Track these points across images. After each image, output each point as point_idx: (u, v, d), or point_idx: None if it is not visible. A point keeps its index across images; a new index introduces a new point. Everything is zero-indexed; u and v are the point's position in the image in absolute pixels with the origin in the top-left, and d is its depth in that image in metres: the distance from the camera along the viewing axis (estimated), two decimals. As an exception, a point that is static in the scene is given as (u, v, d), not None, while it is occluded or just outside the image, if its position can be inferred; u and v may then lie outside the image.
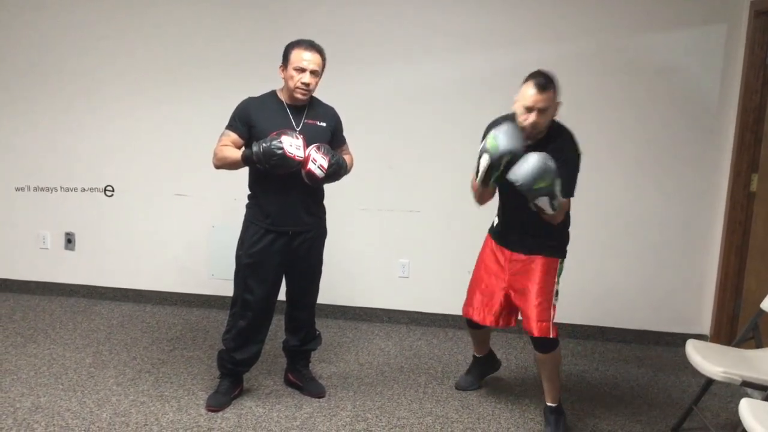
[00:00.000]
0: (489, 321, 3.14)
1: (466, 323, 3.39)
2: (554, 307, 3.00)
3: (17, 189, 4.74)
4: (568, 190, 2.87)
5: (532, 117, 2.77)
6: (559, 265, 3.04)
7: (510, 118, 2.94)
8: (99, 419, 3.05)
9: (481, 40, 4.18)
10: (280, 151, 2.85)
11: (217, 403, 3.21)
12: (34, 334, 4.07)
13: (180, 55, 4.45)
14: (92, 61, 4.54)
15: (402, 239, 4.43)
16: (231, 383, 3.29)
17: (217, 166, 3.10)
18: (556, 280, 3.03)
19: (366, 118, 4.28)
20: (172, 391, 3.37)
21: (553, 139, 2.87)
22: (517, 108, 2.83)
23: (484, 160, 2.75)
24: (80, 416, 3.07)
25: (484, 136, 2.98)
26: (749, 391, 2.87)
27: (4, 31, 4.61)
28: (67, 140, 4.65)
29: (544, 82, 2.76)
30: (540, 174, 2.64)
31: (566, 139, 2.91)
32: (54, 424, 2.99)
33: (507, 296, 3.10)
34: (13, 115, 4.69)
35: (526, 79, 2.81)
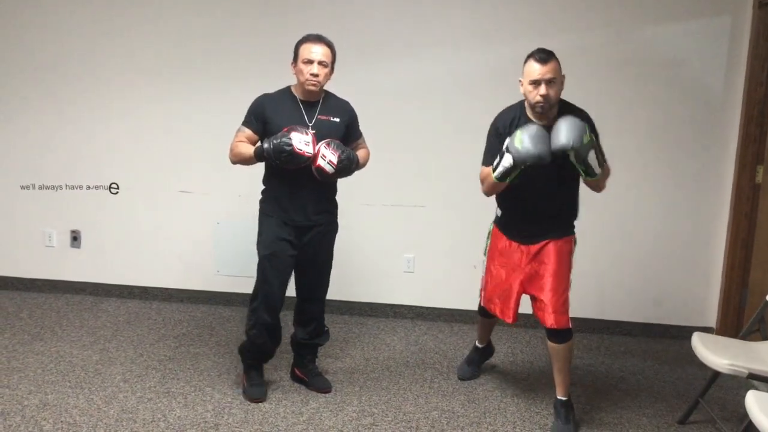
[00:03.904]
0: (509, 317, 3.11)
1: (480, 312, 3.40)
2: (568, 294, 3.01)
3: (23, 187, 4.75)
4: (602, 156, 2.91)
5: (541, 89, 2.78)
6: (573, 245, 3.06)
7: (516, 108, 2.98)
8: (106, 416, 3.07)
9: (485, 35, 4.17)
10: (288, 148, 2.90)
11: (260, 394, 3.27)
12: (41, 331, 4.09)
13: (184, 52, 4.45)
14: (96, 59, 4.55)
15: (407, 234, 4.43)
16: (259, 372, 3.36)
17: (233, 162, 3.16)
18: (571, 264, 3.03)
19: (370, 113, 4.24)
20: (178, 387, 3.38)
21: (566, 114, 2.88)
22: (525, 87, 2.86)
23: (507, 161, 2.79)
24: (88, 413, 3.09)
25: (495, 131, 3.00)
26: (755, 383, 2.87)
27: (8, 31, 4.61)
28: (72, 138, 4.66)
29: (545, 54, 2.81)
30: (580, 130, 2.69)
31: (577, 112, 2.92)
32: (62, 422, 3.00)
33: (523, 288, 3.08)
34: (18, 114, 4.70)
35: (527, 58, 2.86)
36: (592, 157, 2.76)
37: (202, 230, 4.59)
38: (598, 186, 2.97)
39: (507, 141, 2.83)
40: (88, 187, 4.68)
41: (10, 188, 4.77)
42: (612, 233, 4.21)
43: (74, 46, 4.56)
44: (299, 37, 3.10)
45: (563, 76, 2.86)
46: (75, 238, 4.78)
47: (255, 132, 3.10)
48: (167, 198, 4.61)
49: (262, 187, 3.24)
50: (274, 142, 2.93)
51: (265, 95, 3.16)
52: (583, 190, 3.06)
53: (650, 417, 3.23)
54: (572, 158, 2.75)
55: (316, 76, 3.02)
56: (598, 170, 2.81)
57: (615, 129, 4.07)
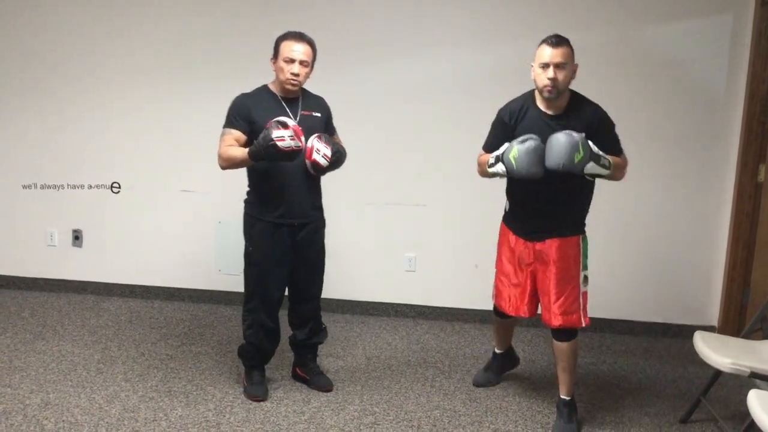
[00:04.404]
0: (522, 311, 3.10)
1: (494, 313, 3.36)
2: (585, 294, 2.99)
3: (24, 187, 4.76)
4: (616, 147, 2.95)
5: (549, 72, 2.78)
6: (581, 244, 3.02)
7: (525, 97, 2.98)
8: (108, 415, 3.07)
9: (486, 34, 4.17)
10: (275, 149, 2.84)
11: (262, 393, 3.26)
12: (42, 331, 4.09)
13: (185, 51, 4.45)
14: (98, 59, 4.55)
15: (408, 233, 4.42)
16: (261, 371, 3.35)
17: (224, 167, 3.10)
18: (580, 262, 3.00)
19: (372, 112, 4.29)
20: (180, 386, 3.38)
21: (575, 109, 2.90)
22: (535, 70, 2.86)
23: (501, 169, 2.85)
24: (89, 412, 3.09)
25: (500, 120, 3.01)
26: (758, 382, 2.87)
27: (8, 31, 4.62)
28: (73, 138, 4.66)
29: (557, 38, 2.81)
30: (572, 148, 2.68)
31: (587, 104, 2.94)
32: (63, 421, 3.01)
33: (534, 284, 3.07)
34: (19, 114, 4.70)
35: (540, 42, 2.85)
36: (591, 167, 2.75)
37: (204, 229, 4.59)
38: (614, 179, 2.95)
39: (504, 148, 2.85)
40: (90, 187, 4.69)
41: (11, 188, 4.77)
42: (613, 232, 4.20)
43: (74, 46, 4.56)
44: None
45: (575, 65, 2.85)
46: (77, 237, 4.78)
47: (243, 132, 3.04)
48: (169, 197, 4.62)
49: (247, 188, 3.20)
50: (261, 143, 2.87)
51: (245, 95, 3.12)
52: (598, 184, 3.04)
53: (652, 416, 3.23)
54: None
55: (297, 75, 3.00)
56: (605, 172, 2.81)
57: (616, 127, 4.07)
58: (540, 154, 2.74)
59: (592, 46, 4.05)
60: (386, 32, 4.26)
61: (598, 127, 2.88)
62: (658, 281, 4.24)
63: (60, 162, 4.70)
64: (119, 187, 4.67)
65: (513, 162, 2.77)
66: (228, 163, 3.06)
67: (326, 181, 4.09)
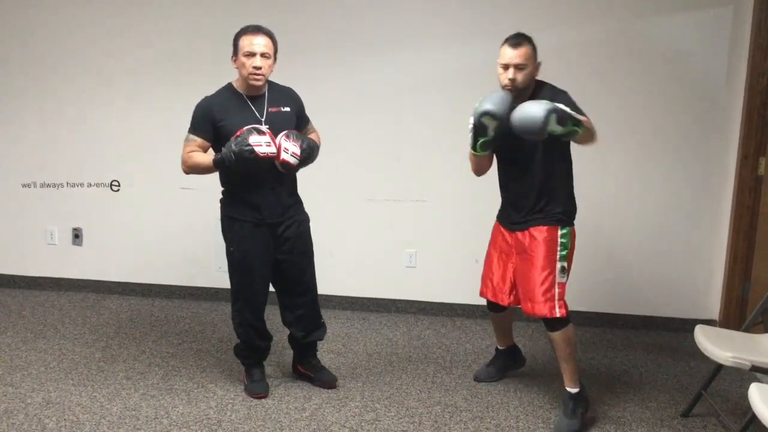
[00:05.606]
0: (504, 300, 3.13)
1: (487, 306, 3.37)
2: (561, 284, 2.95)
3: (24, 185, 4.76)
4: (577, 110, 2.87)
5: (509, 73, 2.84)
6: (559, 234, 2.97)
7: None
8: (109, 413, 3.07)
9: (485, 29, 4.15)
10: (252, 155, 2.83)
11: (263, 389, 3.26)
12: (43, 329, 4.10)
13: (184, 50, 4.44)
14: (97, 58, 4.55)
15: (409, 229, 4.42)
16: (260, 368, 3.35)
17: (187, 173, 3.08)
18: (557, 251, 2.97)
19: (372, 108, 4.27)
20: (181, 384, 3.38)
21: (537, 94, 2.91)
22: (498, 69, 2.91)
23: (470, 122, 2.87)
24: (91, 411, 3.09)
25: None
26: (759, 375, 2.87)
27: (10, 29, 4.62)
28: (72, 136, 4.66)
29: (517, 39, 2.85)
30: (546, 107, 2.67)
31: (548, 87, 2.95)
32: (65, 419, 3.01)
33: (514, 275, 3.10)
34: (19, 113, 4.71)
35: (503, 42, 2.89)
36: (564, 112, 2.70)
37: (204, 227, 4.58)
38: (590, 139, 2.88)
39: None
40: (89, 185, 4.69)
41: (11, 186, 4.78)
42: (613, 225, 4.20)
43: (74, 46, 4.56)
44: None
45: (538, 63, 2.88)
46: (77, 235, 4.78)
47: (206, 139, 3.01)
48: (168, 195, 4.61)
49: (222, 189, 3.17)
50: (235, 149, 2.83)
51: (208, 98, 3.06)
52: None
53: (653, 410, 3.22)
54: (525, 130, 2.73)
55: (260, 69, 2.93)
56: (578, 130, 2.75)
57: (616, 122, 4.07)
58: (504, 99, 2.79)
59: (592, 41, 4.05)
60: (386, 29, 4.24)
61: (558, 101, 2.84)
62: (659, 275, 4.23)
63: (59, 161, 4.70)
64: (119, 185, 4.67)
65: (477, 105, 2.80)
66: (192, 170, 3.05)
67: (326, 177, 4.11)
